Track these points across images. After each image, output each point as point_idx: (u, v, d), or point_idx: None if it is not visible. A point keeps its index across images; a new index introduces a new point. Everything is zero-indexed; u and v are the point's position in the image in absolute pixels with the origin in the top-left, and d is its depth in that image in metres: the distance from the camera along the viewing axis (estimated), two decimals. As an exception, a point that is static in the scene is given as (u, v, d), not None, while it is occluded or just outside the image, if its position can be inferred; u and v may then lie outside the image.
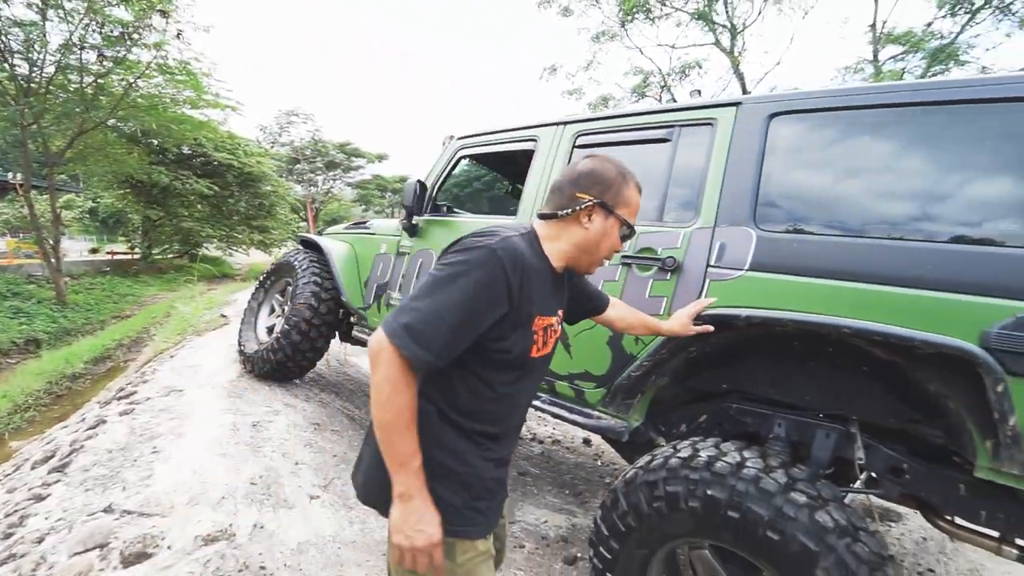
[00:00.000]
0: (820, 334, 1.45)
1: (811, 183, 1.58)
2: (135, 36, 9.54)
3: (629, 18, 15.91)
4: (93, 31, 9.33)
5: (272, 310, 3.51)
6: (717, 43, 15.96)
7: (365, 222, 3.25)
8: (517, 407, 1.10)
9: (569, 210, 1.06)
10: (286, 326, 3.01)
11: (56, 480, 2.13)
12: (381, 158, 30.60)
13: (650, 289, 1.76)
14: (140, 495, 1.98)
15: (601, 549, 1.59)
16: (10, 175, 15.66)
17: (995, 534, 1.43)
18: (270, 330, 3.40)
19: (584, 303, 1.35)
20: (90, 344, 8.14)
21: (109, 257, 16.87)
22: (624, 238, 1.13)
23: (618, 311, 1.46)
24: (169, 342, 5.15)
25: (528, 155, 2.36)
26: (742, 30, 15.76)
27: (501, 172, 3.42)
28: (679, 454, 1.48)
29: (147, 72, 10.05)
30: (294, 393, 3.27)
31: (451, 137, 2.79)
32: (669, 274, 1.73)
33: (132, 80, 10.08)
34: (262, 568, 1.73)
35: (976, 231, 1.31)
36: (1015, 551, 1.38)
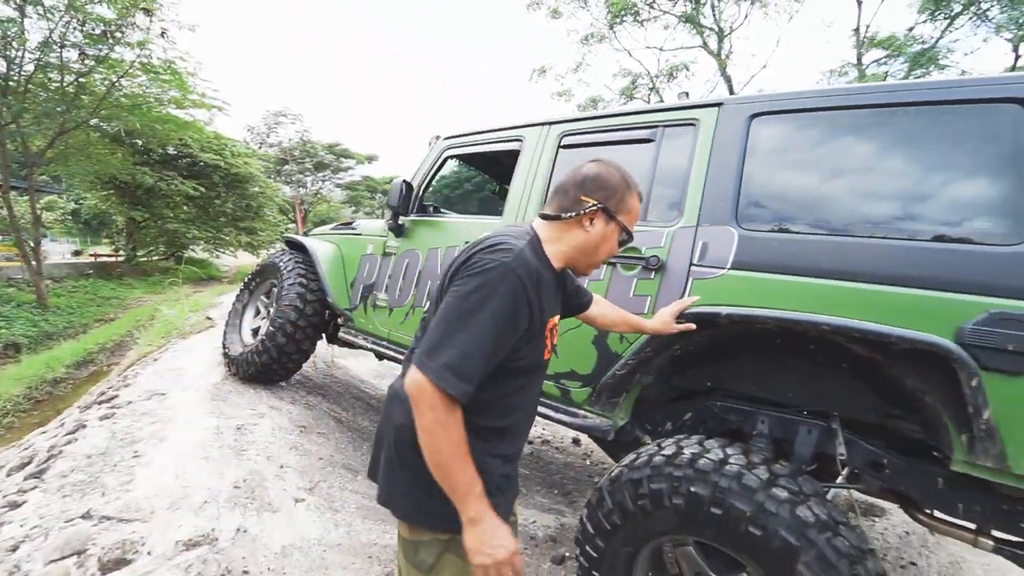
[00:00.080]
0: (800, 331, 1.47)
1: (791, 182, 1.59)
2: (118, 34, 9.39)
3: (618, 20, 16.01)
4: (74, 29, 9.16)
5: (257, 312, 3.47)
6: (704, 46, 16.13)
7: (351, 223, 3.23)
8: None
9: (573, 213, 1.08)
10: (271, 328, 2.98)
11: (33, 487, 2.09)
12: (371, 159, 30.46)
13: (634, 288, 1.77)
14: (120, 500, 1.95)
15: (587, 548, 1.59)
16: (-12, 176, 15.28)
17: (972, 526, 1.46)
18: (255, 332, 3.36)
19: (572, 299, 1.36)
20: (72, 348, 7.98)
21: (92, 259, 16.56)
22: (622, 243, 1.16)
23: (601, 308, 1.47)
24: (153, 345, 5.07)
25: (514, 155, 2.36)
26: (729, 33, 15.95)
27: (487, 172, 3.42)
28: (663, 452, 1.49)
29: (130, 71, 9.89)
30: (280, 396, 3.24)
31: (437, 137, 2.78)
32: (653, 273, 1.74)
33: (115, 79, 9.92)
34: (245, 572, 1.70)
35: (951, 229, 1.34)
36: (991, 542, 1.40)
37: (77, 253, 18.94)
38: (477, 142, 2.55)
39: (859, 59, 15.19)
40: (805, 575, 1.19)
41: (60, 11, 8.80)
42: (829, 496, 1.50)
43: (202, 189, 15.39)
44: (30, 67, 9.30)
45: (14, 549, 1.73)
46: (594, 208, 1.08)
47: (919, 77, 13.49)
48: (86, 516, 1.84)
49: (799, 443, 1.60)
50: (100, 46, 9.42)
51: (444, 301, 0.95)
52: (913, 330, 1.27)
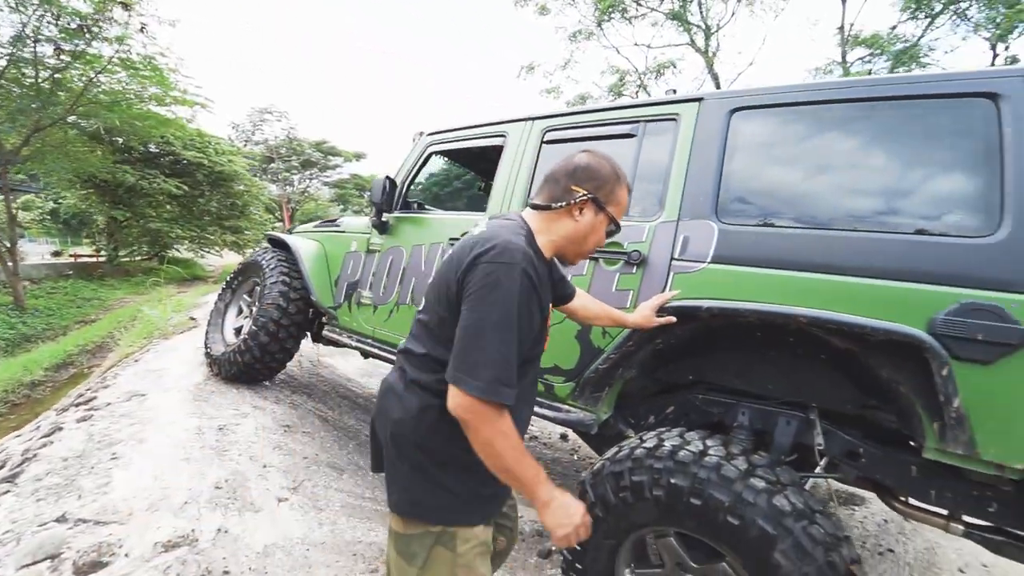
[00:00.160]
0: (779, 324, 1.49)
1: (770, 177, 1.61)
2: (95, 29, 9.17)
3: (605, 17, 16.04)
4: (48, 23, 8.93)
5: (240, 311, 3.42)
6: (692, 43, 16.22)
7: (335, 220, 3.20)
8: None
9: (563, 203, 1.09)
10: (253, 327, 2.94)
11: (5, 491, 2.03)
12: (359, 157, 30.19)
13: (617, 283, 1.78)
14: (97, 503, 1.91)
15: (571, 541, 1.60)
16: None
17: (944, 512, 1.49)
18: (238, 331, 3.32)
19: (556, 290, 1.37)
20: (51, 350, 7.81)
21: (72, 260, 16.20)
22: (610, 234, 1.17)
23: (582, 301, 1.47)
24: (134, 346, 4.98)
25: (498, 151, 2.35)
26: (716, 30, 16.06)
27: (471, 168, 3.41)
28: (644, 444, 1.50)
29: (109, 67, 9.66)
30: (263, 395, 3.20)
31: (421, 133, 2.76)
32: (635, 267, 1.74)
33: (92, 75, 9.69)
34: (225, 572, 1.68)
35: (925, 222, 1.36)
36: (961, 527, 1.44)
37: (57, 254, 18.52)
38: (460, 138, 2.54)
39: (844, 57, 15.40)
40: (782, 563, 1.21)
41: (34, 4, 8.57)
42: (808, 485, 1.53)
43: (185, 188, 15.11)
44: (2, 62, 9.04)
45: (-15, 555, 1.69)
46: (584, 198, 1.09)
47: (900, 75, 13.69)
48: (61, 519, 1.80)
49: (778, 434, 1.62)
50: (76, 41, 9.19)
51: (464, 315, 0.94)
52: (887, 321, 1.29)
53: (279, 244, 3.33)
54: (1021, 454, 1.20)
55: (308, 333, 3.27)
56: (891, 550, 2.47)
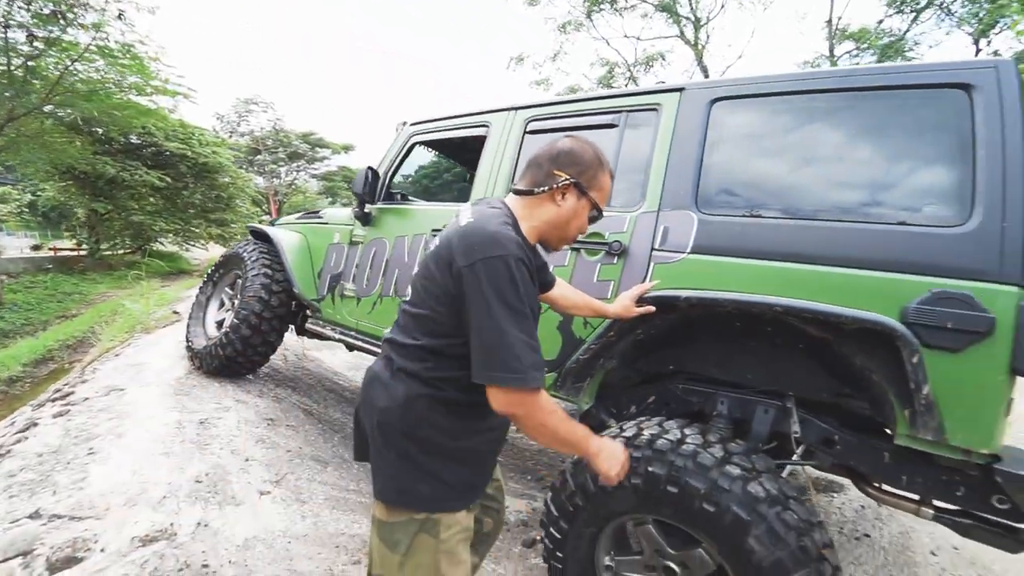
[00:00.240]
0: (757, 313, 1.50)
1: (748, 167, 1.62)
2: (70, 15, 8.89)
3: (595, 8, 15.96)
4: (20, 8, 8.64)
5: (222, 304, 3.37)
6: (681, 35, 16.23)
7: (317, 212, 3.15)
8: None
9: (545, 188, 1.09)
10: (235, 320, 2.90)
11: (-22, 488, 2.00)
12: (347, 149, 29.80)
13: (598, 273, 1.78)
14: (72, 499, 1.88)
15: (551, 529, 1.61)
16: (-67, 166, 14.46)
17: (915, 497, 1.52)
18: (219, 325, 3.27)
19: (539, 276, 1.36)
20: (30, 345, 7.64)
21: (52, 254, 15.83)
22: (592, 220, 1.17)
23: (562, 290, 1.47)
24: (116, 341, 4.89)
25: (481, 141, 2.33)
26: (705, 23, 16.08)
27: (455, 159, 3.38)
28: (624, 434, 1.51)
29: (86, 55, 9.39)
30: (246, 389, 3.17)
31: (404, 123, 2.73)
32: (616, 258, 1.74)
33: (69, 63, 9.41)
34: (204, 566, 1.67)
35: (899, 212, 1.38)
36: (931, 511, 1.47)
37: (36, 247, 18.08)
38: (444, 128, 2.52)
39: (831, 51, 15.52)
40: (755, 548, 1.23)
41: (4, -13, 8.28)
42: (786, 472, 1.55)
43: (168, 180, 14.78)
44: (-28, 50, 8.75)
45: (-44, 552, 1.65)
46: (566, 183, 1.09)
47: (885, 69, 13.83)
48: (34, 516, 1.77)
49: (756, 422, 1.64)
50: (50, 27, 8.91)
51: (476, 316, 0.94)
52: (860, 310, 1.30)
53: (261, 236, 3.28)
54: (987, 439, 1.22)
55: (292, 326, 3.24)
56: (867, 535, 2.53)
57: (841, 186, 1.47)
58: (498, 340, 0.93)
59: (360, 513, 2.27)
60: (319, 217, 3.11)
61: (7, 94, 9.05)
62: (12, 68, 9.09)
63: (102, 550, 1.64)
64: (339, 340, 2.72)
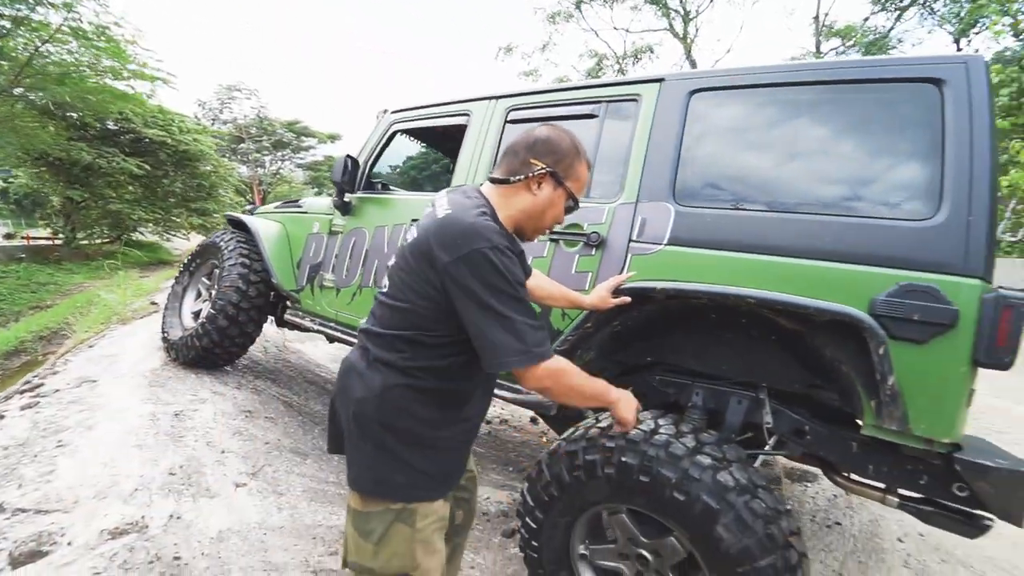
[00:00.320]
0: (730, 305, 1.52)
1: (724, 159, 1.62)
2: (39, -6, 8.56)
3: None
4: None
5: (199, 294, 3.31)
6: (671, 28, 16.23)
7: (297, 201, 3.10)
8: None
9: (521, 176, 1.08)
10: (212, 311, 2.85)
11: (-61, 481, 1.94)
12: (333, 138, 29.31)
13: (576, 264, 1.78)
14: (39, 492, 1.84)
15: (527, 519, 1.62)
16: None
17: (881, 486, 1.56)
18: (196, 315, 3.21)
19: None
20: (1, 336, 7.43)
21: (26, 243, 15.37)
22: (568, 211, 1.17)
23: (538, 281, 1.47)
24: (91, 332, 4.77)
25: (462, 130, 2.31)
26: (695, 16, 16.10)
27: (437, 148, 3.35)
28: (599, 425, 1.52)
29: (57, 36, 9.05)
30: (224, 381, 3.12)
31: (385, 111, 2.69)
32: (594, 249, 1.74)
33: (39, 44, 9.06)
34: (176, 558, 1.65)
35: (869, 205, 1.39)
36: (896, 499, 1.51)
37: (9, 236, 17.54)
38: (424, 116, 2.48)
39: (818, 47, 15.65)
40: (724, 536, 1.25)
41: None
42: (759, 462, 1.58)
43: (147, 167, 14.39)
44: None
45: (-85, 548, 1.61)
46: (542, 172, 1.08)
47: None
48: (-2, 509, 1.73)
49: (730, 413, 1.66)
50: (18, 6, 8.56)
51: (475, 312, 0.96)
52: (831, 302, 1.32)
53: (239, 225, 3.21)
54: (948, 429, 1.25)
55: (271, 317, 3.19)
56: (838, 523, 2.59)
57: (814, 179, 1.48)
58: (500, 329, 0.95)
59: (339, 505, 2.26)
60: (298, 206, 3.06)
61: (-26, 76, 8.70)
62: (-22, 49, 8.73)
63: (69, 543, 1.61)
64: (318, 331, 2.69)
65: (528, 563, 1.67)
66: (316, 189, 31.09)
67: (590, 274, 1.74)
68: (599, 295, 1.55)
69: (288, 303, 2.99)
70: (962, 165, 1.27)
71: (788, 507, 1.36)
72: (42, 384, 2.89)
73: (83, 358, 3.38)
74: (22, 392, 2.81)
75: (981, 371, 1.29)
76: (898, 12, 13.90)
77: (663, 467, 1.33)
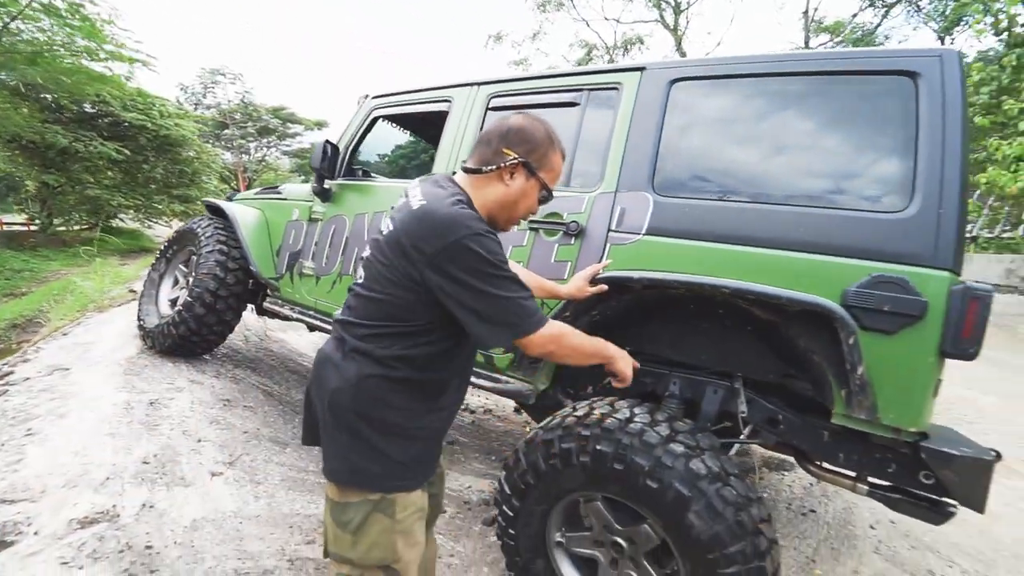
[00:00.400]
0: (707, 295, 1.52)
1: (702, 149, 1.62)
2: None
3: (576, -12, 15.71)
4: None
5: (176, 282, 3.24)
6: (661, 19, 16.17)
7: (276, 187, 3.04)
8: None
9: (493, 166, 1.06)
10: (188, 298, 2.80)
11: (-100, 471, 1.88)
12: (320, 125, 28.80)
13: (555, 254, 1.77)
14: (5, 481, 1.79)
15: (504, 507, 1.63)
16: None
17: (852, 474, 1.59)
18: (173, 303, 3.15)
19: None
20: (-26, 324, 7.21)
21: (-1, 228, 14.93)
22: (542, 201, 1.15)
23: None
24: (66, 320, 4.66)
25: (444, 117, 2.27)
26: (686, 8, 16.04)
27: (419, 134, 3.30)
28: (576, 413, 1.52)
29: (28, 13, 8.71)
30: (202, 369, 3.07)
31: (366, 96, 2.64)
32: (573, 239, 1.74)
33: (7, 21, 8.71)
34: (148, 547, 1.62)
35: (844, 197, 1.40)
36: (865, 487, 1.54)
37: (-17, 221, 16.95)
38: (406, 102, 2.44)
39: (807, 43, 15.73)
40: (695, 523, 1.26)
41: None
42: (734, 451, 1.60)
43: (127, 152, 14.00)
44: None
45: None
46: (515, 162, 1.06)
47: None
48: (-39, 499, 1.69)
49: (706, 403, 1.68)
50: (-14, -20, 8.22)
51: (472, 299, 0.97)
52: (804, 292, 1.33)
53: (218, 212, 3.15)
54: (915, 418, 1.28)
55: (251, 306, 3.14)
56: (813, 510, 2.65)
57: (791, 170, 1.49)
58: (499, 309, 0.98)
59: (318, 494, 2.25)
60: (278, 193, 3.00)
61: (-60, 54, 8.35)
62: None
63: (36, 533, 1.58)
64: (297, 320, 2.65)
65: (505, 551, 1.68)
66: (303, 177, 30.61)
67: (569, 264, 1.74)
68: (576, 284, 1.55)
69: (268, 291, 2.94)
70: (934, 158, 1.28)
71: (759, 495, 1.38)
72: (12, 372, 2.82)
73: (55, 346, 3.30)
74: (-10, 380, 2.74)
75: (952, 363, 1.31)
76: (885, 9, 14.03)
77: (637, 455, 1.34)
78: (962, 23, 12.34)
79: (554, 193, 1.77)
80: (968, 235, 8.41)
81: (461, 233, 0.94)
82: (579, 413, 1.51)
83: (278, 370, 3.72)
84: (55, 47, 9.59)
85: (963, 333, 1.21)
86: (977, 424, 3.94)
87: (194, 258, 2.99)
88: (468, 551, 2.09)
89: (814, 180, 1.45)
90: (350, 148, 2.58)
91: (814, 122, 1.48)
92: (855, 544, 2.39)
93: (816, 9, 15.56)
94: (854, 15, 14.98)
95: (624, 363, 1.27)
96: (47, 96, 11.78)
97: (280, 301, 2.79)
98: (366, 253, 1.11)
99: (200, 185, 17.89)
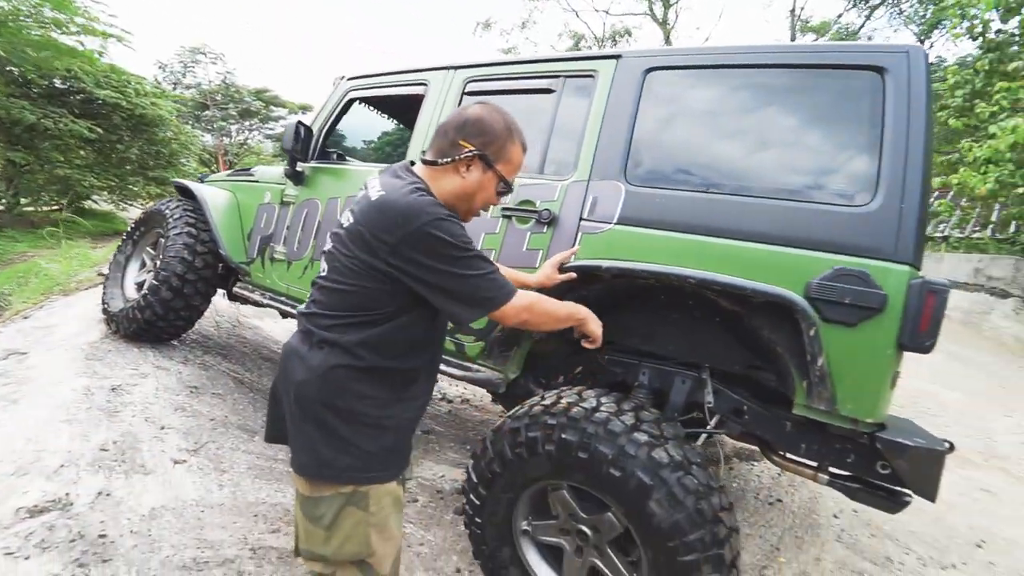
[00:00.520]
0: (675, 285, 1.52)
1: (673, 139, 1.61)
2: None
3: (566, -22, 15.56)
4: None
5: (143, 264, 3.14)
6: (651, 12, 16.14)
7: (249, 169, 2.96)
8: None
9: (449, 159, 1.05)
10: (155, 282, 2.71)
11: None
12: (305, 109, 28.13)
13: (528, 242, 1.75)
14: (-50, 468, 1.72)
15: (471, 496, 1.62)
16: None
17: (813, 464, 1.62)
18: (140, 286, 3.05)
19: None
20: (-67, 306, 6.92)
21: (-37, 207, 14.28)
22: (501, 194, 1.14)
23: None
24: (28, 303, 4.49)
25: (420, 100, 2.23)
26: (675, 2, 16.03)
27: (395, 118, 3.24)
28: (543, 402, 1.52)
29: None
30: (169, 355, 2.99)
31: (342, 77, 2.57)
32: (546, 227, 1.72)
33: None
34: (102, 536, 1.58)
35: (810, 190, 1.41)
36: (826, 477, 1.57)
37: (-56, 199, 16.22)
38: (381, 84, 2.38)
39: (793, 40, 15.88)
40: (655, 511, 1.27)
41: None
42: (701, 441, 1.61)
43: (100, 131, 13.48)
44: None
45: None
46: (471, 154, 1.04)
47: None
48: (-99, 487, 1.61)
49: (674, 393, 1.68)
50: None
51: (445, 282, 0.99)
52: (767, 284, 1.34)
53: (188, 193, 3.05)
54: (872, 409, 1.30)
55: (222, 291, 3.06)
56: (780, 500, 2.71)
57: (760, 162, 1.49)
58: (470, 287, 1.00)
59: (285, 483, 2.21)
60: (250, 175, 2.91)
61: None
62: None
63: (-20, 522, 1.52)
64: (268, 305, 2.59)
65: (472, 539, 1.67)
66: (285, 161, 29.92)
67: (541, 252, 1.72)
68: (545, 272, 1.54)
69: (239, 276, 2.87)
70: (898, 153, 1.30)
71: (720, 484, 1.40)
72: (-35, 356, 2.70)
73: (14, 329, 3.18)
74: (-59, 364, 2.62)
75: (919, 358, 1.34)
76: (869, 10, 14.23)
77: (601, 444, 1.34)
78: (940, 27, 12.59)
79: (528, 181, 1.78)
80: (940, 235, 8.64)
81: (422, 220, 0.94)
82: (547, 402, 1.51)
83: (251, 357, 3.65)
84: (20, 17, 9.15)
85: (920, 327, 1.23)
86: (939, 418, 4.07)
87: (162, 240, 2.90)
88: (439, 540, 2.08)
89: (782, 172, 1.46)
90: (324, 130, 2.52)
91: (784, 115, 1.48)
92: (818, 532, 2.45)
93: (803, 8, 15.71)
94: (839, 15, 15.17)
95: (595, 324, 1.34)
96: (12, 69, 11.25)
97: (251, 286, 2.73)
98: (327, 246, 1.09)
99: (178, 167, 17.34)
